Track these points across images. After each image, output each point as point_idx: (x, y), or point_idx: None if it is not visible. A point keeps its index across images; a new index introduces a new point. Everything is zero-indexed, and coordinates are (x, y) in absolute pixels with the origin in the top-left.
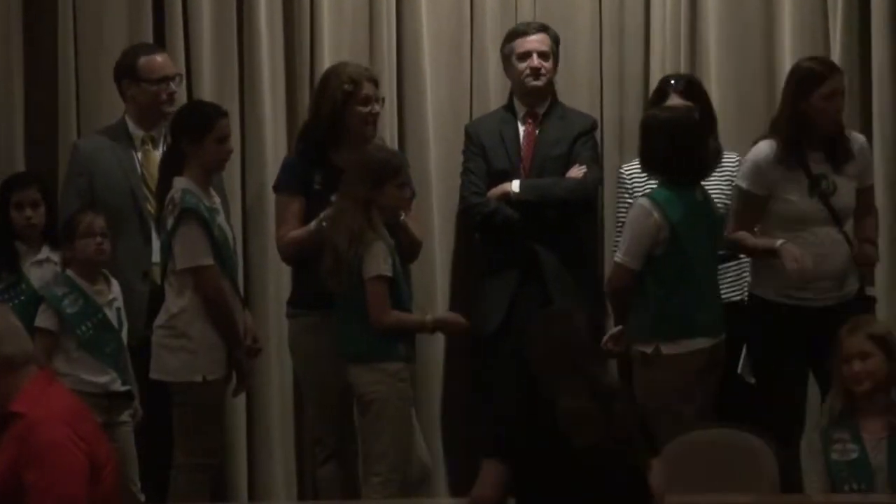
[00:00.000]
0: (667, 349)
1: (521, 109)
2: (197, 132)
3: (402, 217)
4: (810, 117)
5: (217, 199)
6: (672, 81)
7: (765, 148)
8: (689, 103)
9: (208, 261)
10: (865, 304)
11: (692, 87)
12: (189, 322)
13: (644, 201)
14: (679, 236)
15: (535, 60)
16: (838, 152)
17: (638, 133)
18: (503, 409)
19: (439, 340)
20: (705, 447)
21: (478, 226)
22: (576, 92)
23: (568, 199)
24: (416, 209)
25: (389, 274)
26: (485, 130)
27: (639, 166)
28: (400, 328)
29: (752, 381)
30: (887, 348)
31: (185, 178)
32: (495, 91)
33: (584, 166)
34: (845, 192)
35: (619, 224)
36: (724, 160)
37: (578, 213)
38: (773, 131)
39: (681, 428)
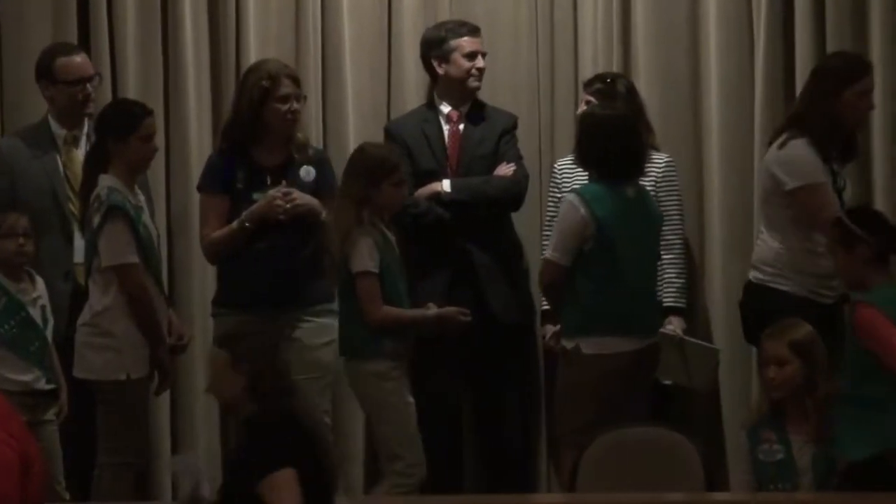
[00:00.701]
0: (588, 348)
1: (444, 108)
2: (122, 130)
3: (324, 216)
4: (841, 114)
5: (142, 198)
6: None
7: (801, 144)
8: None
9: (133, 259)
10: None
11: (609, 88)
12: (113, 320)
13: (572, 197)
14: (607, 232)
15: (481, 61)
16: (850, 149)
17: (573, 130)
18: None
19: None
20: (631, 446)
21: (408, 227)
22: (497, 91)
23: (500, 197)
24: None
25: (375, 270)
26: (407, 130)
27: (570, 162)
28: (394, 324)
29: (668, 382)
30: (807, 356)
31: (111, 176)
32: (416, 89)
33: (512, 164)
34: (850, 190)
35: (549, 220)
36: (652, 159)
37: (509, 212)
38: (796, 127)
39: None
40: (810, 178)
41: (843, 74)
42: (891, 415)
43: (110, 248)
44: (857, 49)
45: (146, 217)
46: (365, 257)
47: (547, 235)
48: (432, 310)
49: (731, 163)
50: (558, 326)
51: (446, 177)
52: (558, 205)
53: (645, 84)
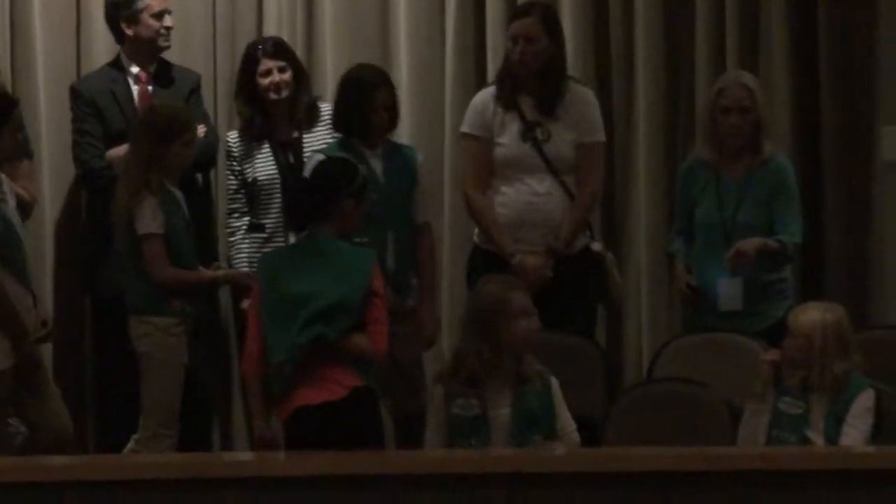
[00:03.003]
0: None
1: (133, 68)
2: None
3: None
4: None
5: (6, 189)
6: (260, 46)
7: (485, 91)
8: (281, 63)
9: None
10: (591, 259)
11: (281, 50)
12: None
13: (320, 157)
14: None
15: (169, 20)
16: (547, 100)
17: None
18: None
19: None
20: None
21: (101, 190)
22: (188, 48)
23: (197, 159)
24: (30, 170)
25: (160, 231)
26: (96, 90)
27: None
28: (179, 284)
29: None
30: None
31: None
32: (106, 48)
33: (203, 125)
34: (560, 142)
35: (230, 190)
36: (323, 111)
37: (201, 172)
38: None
39: None
40: (463, 123)
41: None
42: None
43: None
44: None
45: (8, 210)
46: (149, 219)
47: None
48: (220, 271)
49: (423, 114)
50: None
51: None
52: (239, 176)
53: (332, 41)
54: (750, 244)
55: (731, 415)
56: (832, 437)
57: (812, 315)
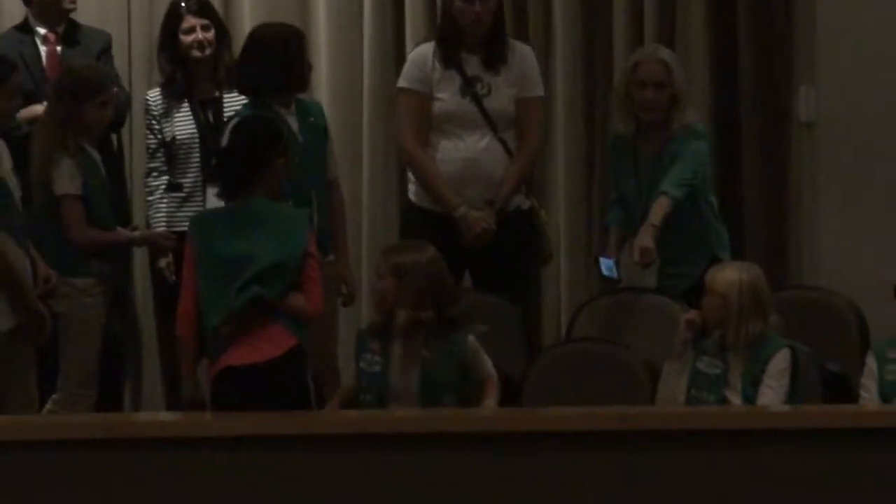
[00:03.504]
0: None
1: (41, 29)
2: None
3: None
4: (455, 18)
5: (2, 151)
6: (183, 3)
7: (424, 46)
8: (205, 21)
9: None
10: (526, 217)
11: (205, 7)
12: None
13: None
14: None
15: None
16: (493, 56)
17: None
18: None
19: None
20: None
21: (14, 150)
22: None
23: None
24: None
25: (77, 192)
26: (4, 52)
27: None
28: (98, 245)
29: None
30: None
31: None
32: (20, 10)
33: (114, 86)
34: (501, 97)
35: (150, 150)
36: None
37: (113, 132)
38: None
39: None
40: (401, 78)
41: None
42: None
43: None
44: None
45: (3, 170)
46: (67, 180)
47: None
48: (137, 232)
49: (341, 73)
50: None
51: (46, 99)
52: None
53: (249, 6)
54: (645, 238)
55: (650, 375)
56: (749, 397)
57: (728, 274)
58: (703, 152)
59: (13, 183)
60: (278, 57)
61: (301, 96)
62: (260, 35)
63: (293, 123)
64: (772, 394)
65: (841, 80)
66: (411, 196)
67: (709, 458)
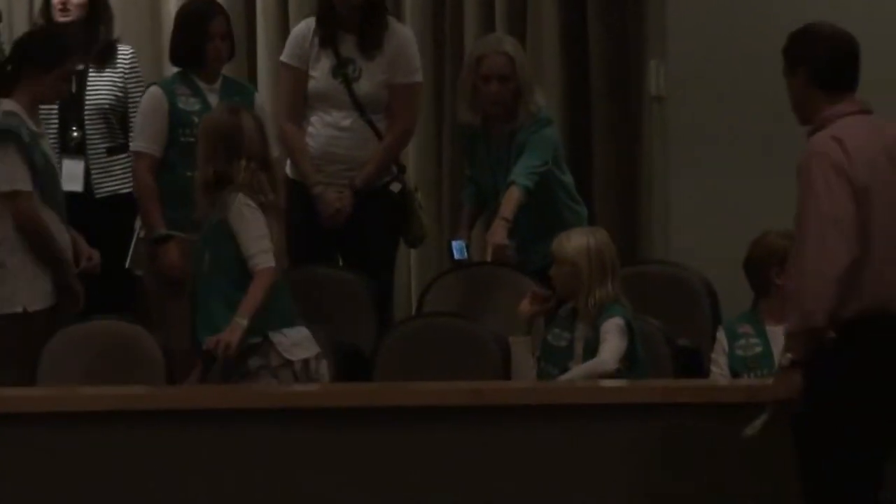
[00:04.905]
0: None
1: None
2: (47, 63)
3: None
4: None
5: (42, 126)
6: None
7: (306, 21)
8: None
9: (24, 186)
10: (396, 198)
11: None
12: (9, 251)
13: (154, 89)
14: None
15: None
16: (367, 40)
17: None
18: None
19: None
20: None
21: None
22: None
23: None
24: None
25: None
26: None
27: None
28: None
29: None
30: None
31: (12, 101)
32: None
33: None
34: (372, 82)
35: None
36: (119, 52)
37: None
38: None
39: None
40: (283, 53)
41: None
42: None
43: (1, 173)
44: None
45: (45, 145)
46: None
47: None
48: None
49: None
50: None
51: None
52: None
53: None
54: (498, 234)
55: (501, 349)
56: None
57: (577, 241)
58: (551, 138)
59: (54, 157)
60: (182, 31)
61: (240, 77)
62: (181, 11)
63: (213, 100)
64: (606, 346)
65: (691, 54)
66: (286, 170)
67: (558, 431)
